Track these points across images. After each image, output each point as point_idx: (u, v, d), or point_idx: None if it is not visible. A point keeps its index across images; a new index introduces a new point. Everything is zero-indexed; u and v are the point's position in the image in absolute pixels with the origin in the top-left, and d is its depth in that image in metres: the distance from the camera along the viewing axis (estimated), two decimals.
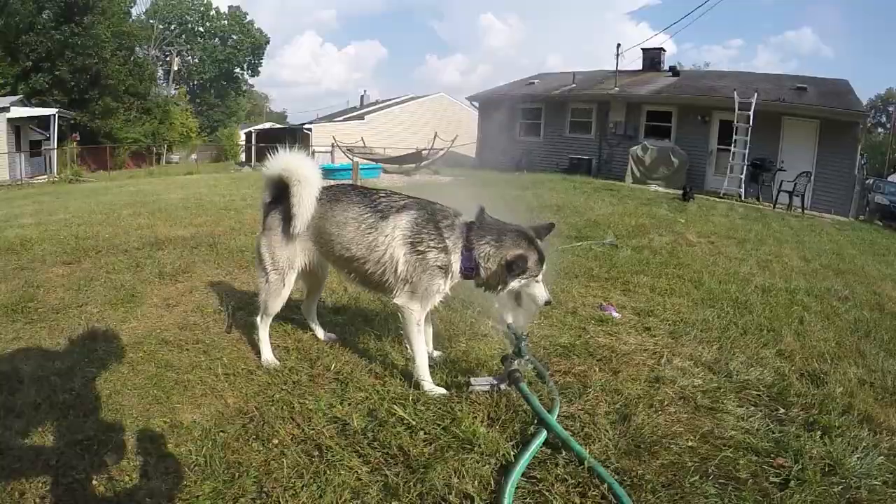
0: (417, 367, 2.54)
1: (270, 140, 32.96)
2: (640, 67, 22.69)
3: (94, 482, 1.87)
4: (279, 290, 2.74)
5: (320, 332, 3.09)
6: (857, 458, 2.12)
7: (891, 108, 48.14)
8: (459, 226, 2.53)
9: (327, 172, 14.14)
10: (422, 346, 2.56)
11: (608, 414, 2.35)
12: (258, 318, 2.83)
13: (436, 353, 2.89)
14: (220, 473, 1.91)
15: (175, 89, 47.75)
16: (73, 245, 5.16)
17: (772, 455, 2.13)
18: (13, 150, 22.31)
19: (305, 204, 2.58)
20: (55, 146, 24.37)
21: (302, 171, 2.60)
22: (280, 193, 2.71)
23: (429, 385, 2.50)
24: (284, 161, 2.65)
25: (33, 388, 2.41)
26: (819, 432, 2.30)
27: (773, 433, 2.30)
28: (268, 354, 2.78)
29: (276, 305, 2.78)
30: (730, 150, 15.44)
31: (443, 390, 2.48)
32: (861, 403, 2.59)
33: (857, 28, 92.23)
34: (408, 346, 2.62)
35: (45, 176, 22.51)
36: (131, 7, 42.98)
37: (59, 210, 8.25)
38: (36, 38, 29.29)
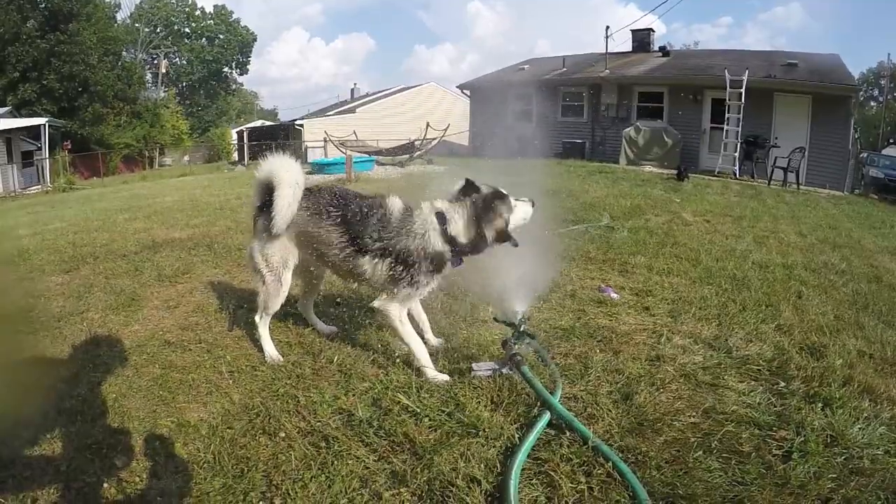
0: (417, 358, 2.55)
1: (262, 138, 32.95)
2: (629, 49, 22.58)
3: (106, 485, 1.89)
4: (277, 290, 2.75)
5: (321, 326, 3.11)
6: (859, 428, 2.14)
7: (882, 82, 48.04)
8: (433, 225, 2.52)
9: (321, 167, 14.12)
10: (413, 336, 2.59)
11: (610, 393, 2.37)
12: (257, 317, 2.83)
13: (435, 341, 2.91)
14: (230, 469, 1.92)
15: (164, 92, 47.43)
16: (70, 253, 5.16)
17: (774, 428, 2.16)
18: (5, 162, 22.23)
19: (285, 202, 2.55)
20: (47, 155, 24.25)
21: (282, 172, 2.58)
22: (269, 198, 2.71)
23: (431, 372, 2.52)
24: (269, 166, 2.63)
25: (40, 397, 2.42)
26: (820, 404, 2.32)
27: (775, 407, 2.33)
28: (271, 351, 2.79)
29: (276, 304, 2.79)
30: (723, 129, 15.42)
31: (446, 377, 2.51)
32: (861, 375, 2.61)
33: (847, 1, 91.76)
34: (400, 342, 2.65)
35: (39, 186, 22.44)
36: (116, 12, 42.76)
37: (54, 219, 8.23)
38: (22, 48, 29.09)
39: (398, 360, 2.67)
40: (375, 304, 2.59)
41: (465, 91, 23.84)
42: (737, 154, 14.93)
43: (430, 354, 2.67)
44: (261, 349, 2.82)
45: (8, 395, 1.78)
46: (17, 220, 8.65)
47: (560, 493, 1.78)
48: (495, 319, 2.91)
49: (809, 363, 2.74)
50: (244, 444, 2.07)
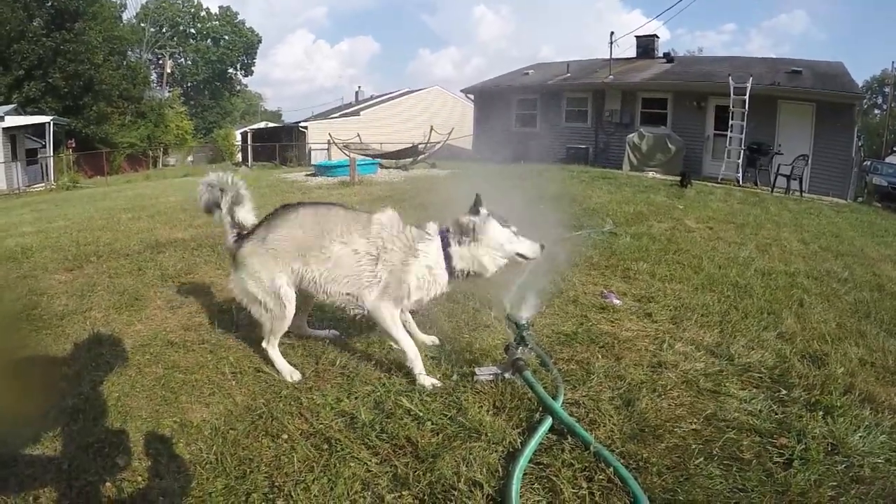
0: (409, 359, 2.54)
1: (266, 139, 33.01)
2: (634, 55, 22.62)
3: (107, 484, 1.89)
4: (283, 312, 2.63)
5: (319, 333, 3.07)
6: (860, 436, 2.15)
7: (886, 90, 47.96)
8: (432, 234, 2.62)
9: (325, 169, 14.14)
10: (405, 337, 2.59)
11: (612, 399, 2.38)
12: (264, 343, 2.72)
13: (427, 339, 2.93)
14: (232, 470, 1.93)
15: (169, 92, 47.52)
16: (74, 251, 5.17)
17: (775, 436, 2.16)
18: (9, 160, 22.25)
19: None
20: (51, 154, 24.32)
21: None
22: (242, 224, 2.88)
23: (422, 377, 2.50)
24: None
25: (42, 395, 2.43)
26: (821, 412, 2.33)
27: (776, 414, 2.33)
28: (287, 369, 2.65)
29: (284, 326, 2.68)
30: (726, 136, 15.42)
31: (435, 381, 2.49)
32: (862, 383, 2.62)
33: (851, 9, 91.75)
34: (392, 342, 2.67)
35: (43, 184, 22.48)
36: (122, 12, 42.91)
37: (58, 217, 8.25)
38: (27, 46, 29.16)
39: (401, 364, 2.67)
40: (367, 303, 2.56)
41: (469, 95, 23.88)
42: (740, 161, 14.93)
43: (434, 357, 2.67)
44: (266, 358, 2.78)
45: (10, 393, 1.80)
46: (20, 218, 8.67)
47: (561, 499, 1.79)
48: (508, 318, 2.90)
49: (811, 371, 2.74)
50: (247, 445, 2.07)
